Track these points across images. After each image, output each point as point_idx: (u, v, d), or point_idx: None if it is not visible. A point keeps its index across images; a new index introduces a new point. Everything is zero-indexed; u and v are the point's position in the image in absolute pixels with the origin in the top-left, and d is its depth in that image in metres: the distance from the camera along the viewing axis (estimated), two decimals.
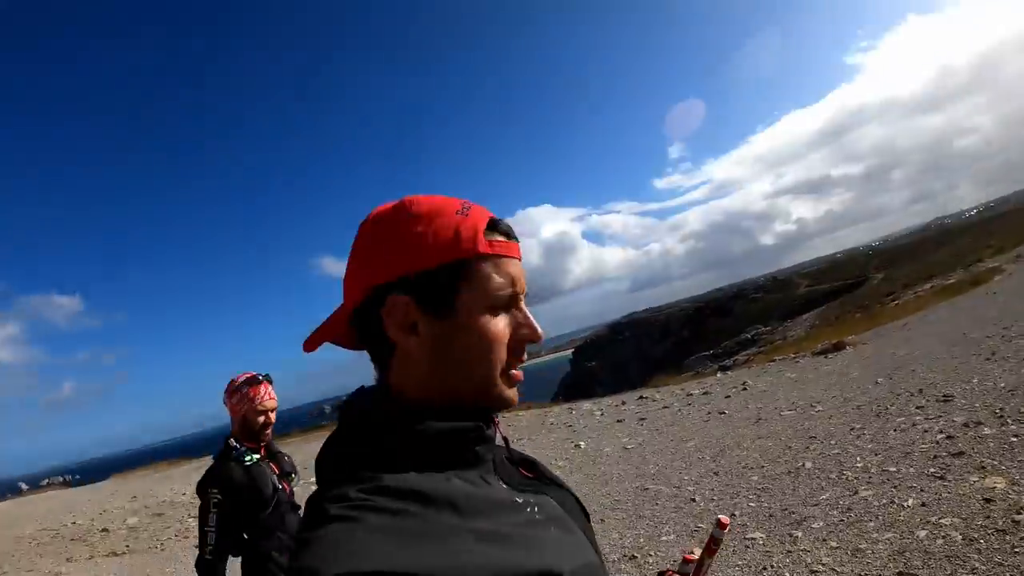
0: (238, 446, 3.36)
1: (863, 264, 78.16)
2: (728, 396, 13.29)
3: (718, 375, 18.59)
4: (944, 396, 8.07)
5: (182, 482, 20.44)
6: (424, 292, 0.92)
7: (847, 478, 6.27)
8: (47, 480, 42.59)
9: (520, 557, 0.80)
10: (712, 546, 1.29)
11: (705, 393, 14.63)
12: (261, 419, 3.38)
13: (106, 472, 35.30)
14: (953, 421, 7.02)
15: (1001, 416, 6.68)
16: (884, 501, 5.46)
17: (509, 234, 1.00)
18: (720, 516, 1.32)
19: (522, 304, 1.01)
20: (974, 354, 9.95)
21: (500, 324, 0.95)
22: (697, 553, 1.31)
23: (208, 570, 3.15)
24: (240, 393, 3.36)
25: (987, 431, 6.39)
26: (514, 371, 0.99)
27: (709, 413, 11.99)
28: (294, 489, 3.55)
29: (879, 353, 13.07)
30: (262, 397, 3.38)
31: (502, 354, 0.96)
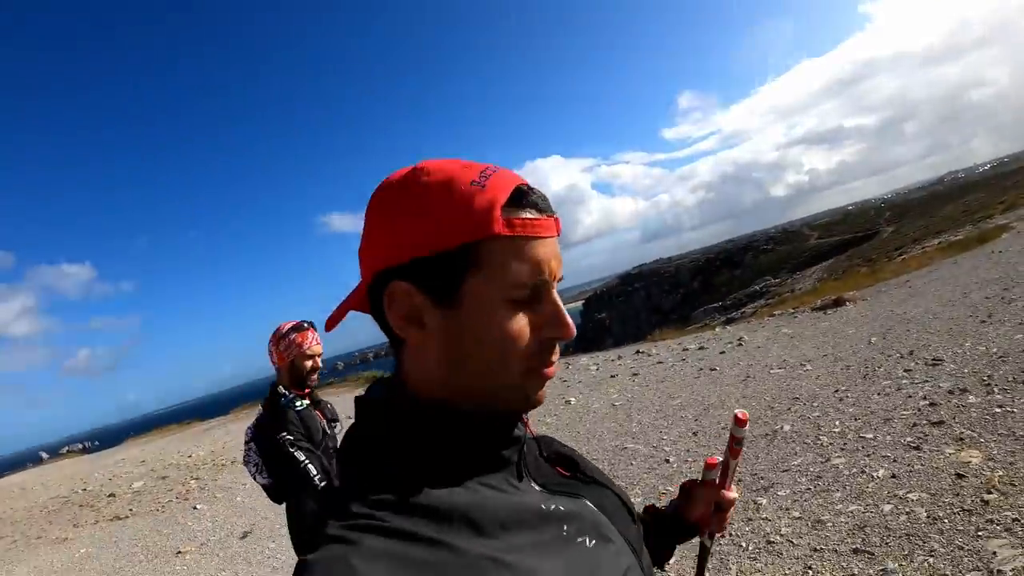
0: (287, 393, 3.43)
1: (874, 217, 77.31)
2: (723, 352, 13.13)
3: (716, 330, 18.46)
4: (934, 359, 7.84)
5: (190, 444, 20.97)
6: (428, 280, 0.79)
7: (822, 443, 6.10)
8: (66, 448, 43.31)
9: None
10: (735, 446, 1.20)
11: (701, 348, 14.49)
12: (309, 363, 3.46)
13: (123, 438, 36.06)
14: (939, 387, 6.80)
15: (988, 384, 6.44)
16: (854, 470, 5.29)
17: (540, 207, 0.82)
18: (737, 411, 1.19)
19: (553, 294, 0.83)
20: (971, 315, 9.67)
21: (520, 320, 0.79)
22: (720, 457, 1.22)
23: (318, 500, 3.16)
24: (288, 339, 3.42)
25: (972, 399, 6.16)
26: (546, 369, 0.84)
27: (701, 370, 11.84)
28: (336, 435, 3.63)
29: (877, 310, 12.81)
30: (309, 343, 3.45)
31: (522, 353, 0.80)
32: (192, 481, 13.55)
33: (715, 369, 11.46)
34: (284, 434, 3.25)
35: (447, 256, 0.77)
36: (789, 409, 7.58)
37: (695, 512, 1.22)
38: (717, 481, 1.21)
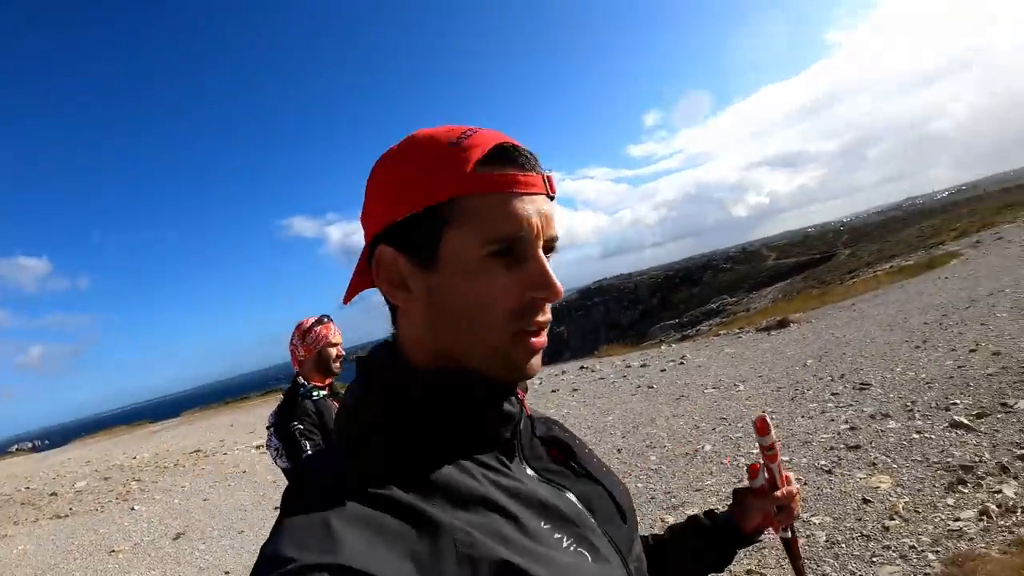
0: (305, 383, 3.69)
1: (832, 240, 78.89)
2: (663, 370, 13.24)
3: (662, 348, 18.61)
4: (862, 384, 7.98)
5: (136, 446, 21.01)
6: (409, 242, 0.80)
7: (739, 464, 6.18)
8: (15, 447, 42.63)
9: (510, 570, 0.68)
10: (767, 452, 1.22)
11: (643, 365, 14.61)
12: (334, 351, 3.74)
13: (72, 437, 36.18)
14: (862, 411, 6.92)
15: (911, 410, 6.56)
16: None
17: (523, 164, 0.81)
18: (756, 418, 1.22)
19: (538, 252, 0.81)
20: (906, 340, 9.84)
21: (500, 277, 0.78)
22: (762, 461, 1.25)
23: None
24: (314, 332, 3.71)
25: (892, 424, 6.27)
26: (534, 339, 0.82)
27: (639, 387, 11.94)
28: None
29: (819, 332, 13.01)
30: (333, 332, 3.75)
31: (503, 313, 0.78)
32: (133, 482, 13.61)
33: (652, 387, 11.57)
34: (296, 423, 3.51)
35: (423, 216, 0.78)
36: (714, 429, 7.67)
37: (751, 522, 1.22)
38: (767, 486, 1.21)
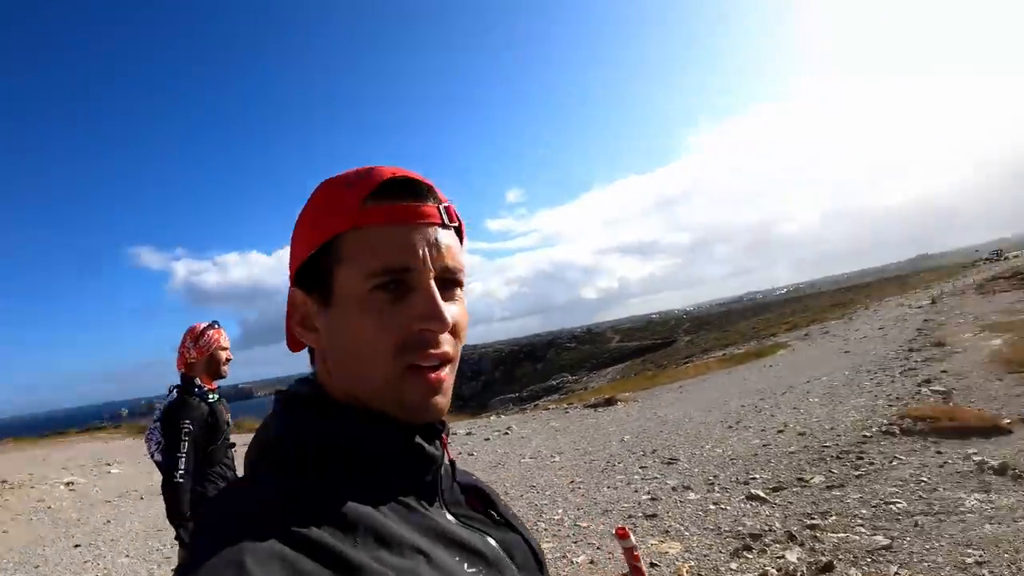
0: (201, 384, 3.87)
1: (674, 326, 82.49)
2: (487, 439, 13.41)
3: (491, 418, 18.80)
4: (671, 458, 8.41)
5: None
6: (309, 283, 0.84)
7: (538, 529, 6.32)
8: None
9: None
10: (632, 553, 1.34)
11: (468, 434, 14.72)
12: (224, 355, 3.97)
13: None
14: (666, 483, 7.28)
15: (712, 483, 6.96)
16: (558, 555, 5.54)
17: (414, 194, 0.83)
18: (616, 527, 1.38)
19: (427, 283, 0.80)
20: (721, 421, 10.49)
21: (386, 310, 0.78)
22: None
23: (174, 490, 3.56)
24: (207, 335, 3.90)
25: (692, 496, 6.62)
26: (431, 375, 0.81)
27: (459, 454, 11.94)
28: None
29: (642, 411, 13.65)
30: (224, 337, 3.97)
31: (389, 346, 0.78)
32: None
33: (472, 454, 11.71)
34: (188, 422, 3.66)
35: (317, 256, 0.81)
36: (522, 496, 7.83)
37: None
38: None
